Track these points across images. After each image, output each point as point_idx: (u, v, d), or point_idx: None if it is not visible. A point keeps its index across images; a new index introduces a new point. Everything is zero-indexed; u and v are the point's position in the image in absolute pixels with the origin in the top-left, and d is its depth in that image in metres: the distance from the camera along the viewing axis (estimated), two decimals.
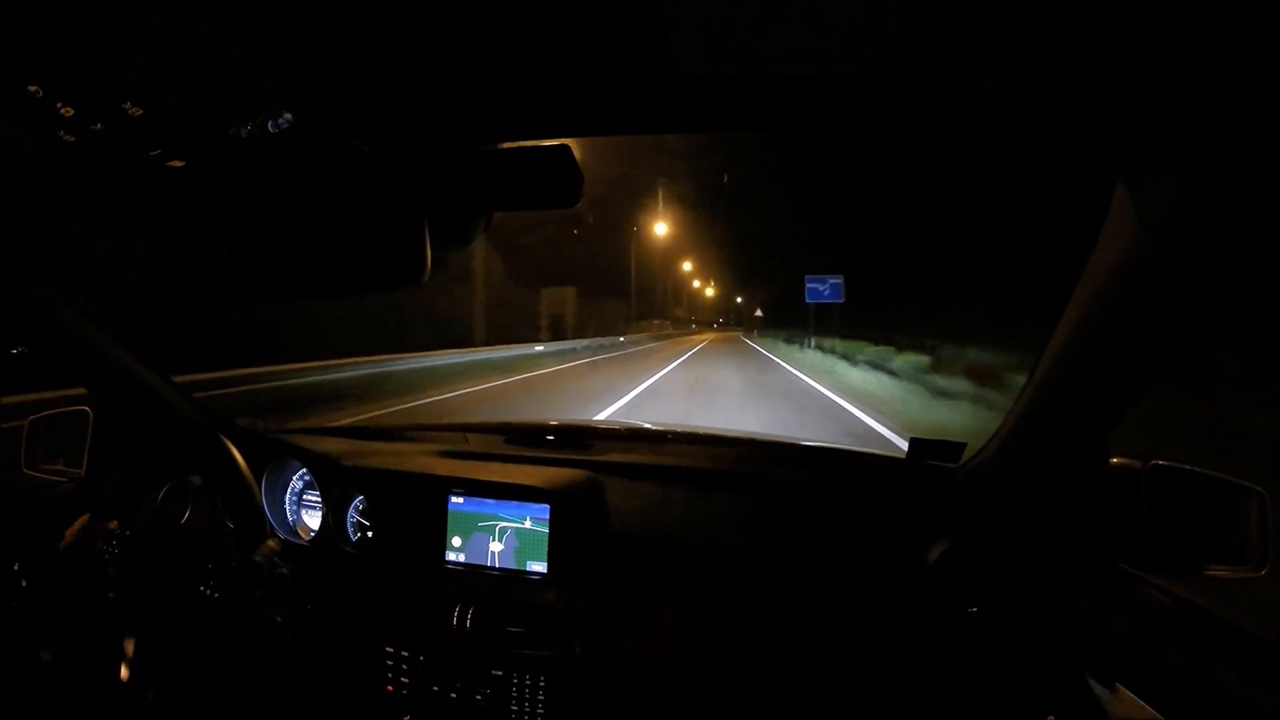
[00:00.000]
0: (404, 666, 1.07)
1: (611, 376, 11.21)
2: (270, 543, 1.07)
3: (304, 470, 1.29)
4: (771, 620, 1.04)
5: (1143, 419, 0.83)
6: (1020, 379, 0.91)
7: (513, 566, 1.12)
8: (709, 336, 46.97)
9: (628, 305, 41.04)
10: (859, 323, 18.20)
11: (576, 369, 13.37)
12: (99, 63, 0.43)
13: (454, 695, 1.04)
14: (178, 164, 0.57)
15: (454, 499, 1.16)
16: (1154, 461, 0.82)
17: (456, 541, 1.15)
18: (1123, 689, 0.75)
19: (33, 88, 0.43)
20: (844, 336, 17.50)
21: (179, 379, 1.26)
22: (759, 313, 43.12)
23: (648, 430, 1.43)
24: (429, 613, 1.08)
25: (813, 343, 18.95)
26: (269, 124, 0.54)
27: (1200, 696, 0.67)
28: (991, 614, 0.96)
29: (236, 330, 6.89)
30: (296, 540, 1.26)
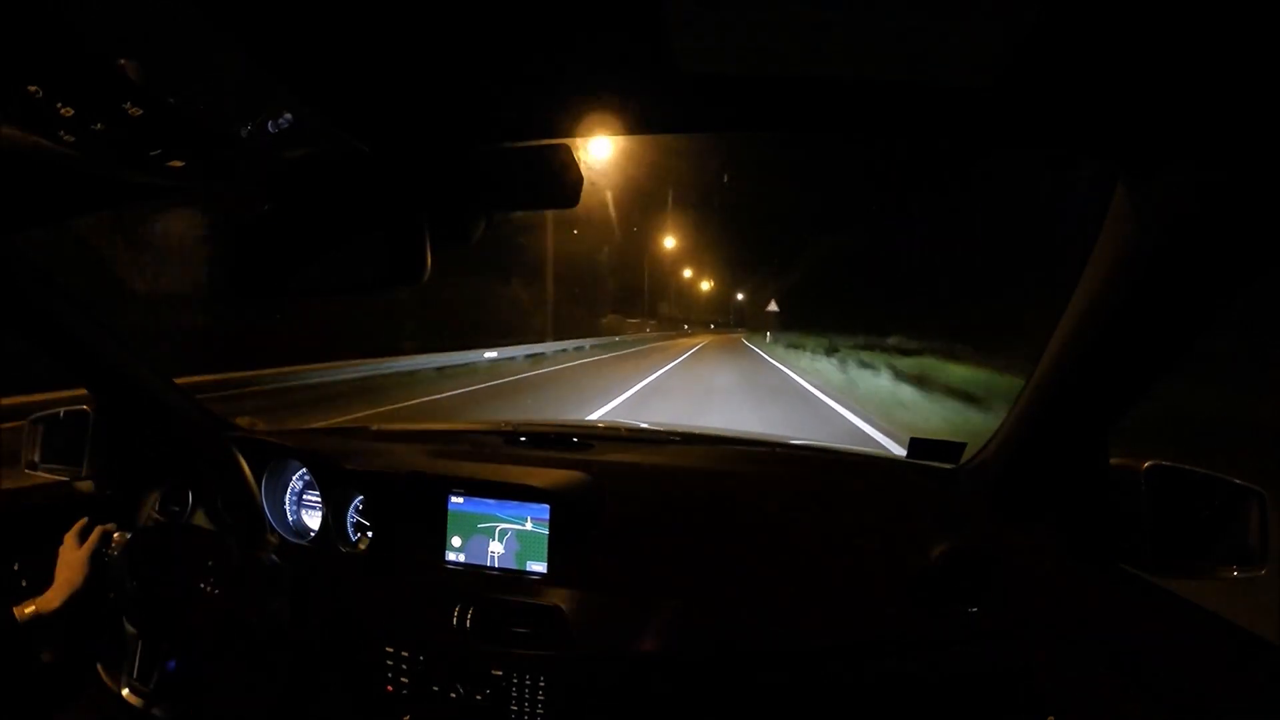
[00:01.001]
0: (404, 666, 1.07)
1: None
2: (270, 538, 1.07)
3: (304, 470, 1.29)
4: (771, 620, 1.04)
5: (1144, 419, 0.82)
6: None
7: (513, 566, 1.12)
8: (700, 341, 32.48)
9: (549, 296, 20.86)
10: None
11: None
12: (99, 63, 0.43)
13: (454, 695, 1.04)
14: (178, 164, 0.57)
15: (454, 499, 1.16)
16: (1154, 461, 0.82)
17: (456, 541, 1.15)
18: (1123, 689, 0.75)
19: (33, 88, 0.43)
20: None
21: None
22: (774, 307, 27.77)
23: (648, 430, 1.43)
24: (429, 613, 1.08)
25: None
26: (269, 124, 0.54)
27: (1200, 696, 0.67)
28: (991, 614, 0.96)
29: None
30: (296, 540, 1.26)
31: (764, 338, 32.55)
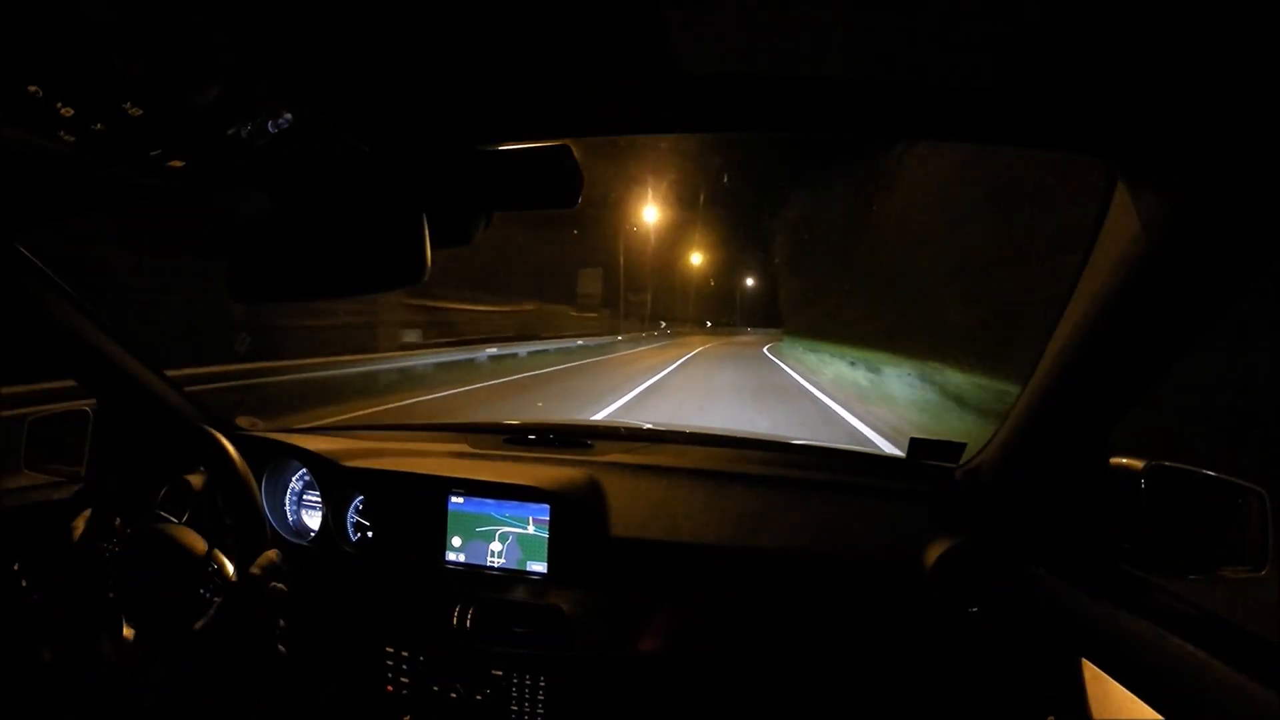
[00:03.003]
0: (404, 666, 1.07)
1: None
2: (270, 554, 1.06)
3: (304, 470, 1.29)
4: (772, 620, 1.04)
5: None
6: None
7: (513, 566, 1.12)
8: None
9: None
10: None
11: None
12: (99, 63, 0.43)
13: (454, 695, 1.04)
14: (178, 164, 0.57)
15: (454, 499, 1.16)
16: (1154, 461, 0.82)
17: (456, 541, 1.15)
18: (1123, 689, 0.75)
19: (33, 88, 0.43)
20: None
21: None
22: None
23: (648, 430, 1.43)
24: (429, 613, 1.08)
25: None
26: (269, 124, 0.54)
27: (1200, 696, 0.67)
28: (991, 614, 0.96)
29: None
30: (296, 540, 1.26)
31: (814, 363, 12.67)
